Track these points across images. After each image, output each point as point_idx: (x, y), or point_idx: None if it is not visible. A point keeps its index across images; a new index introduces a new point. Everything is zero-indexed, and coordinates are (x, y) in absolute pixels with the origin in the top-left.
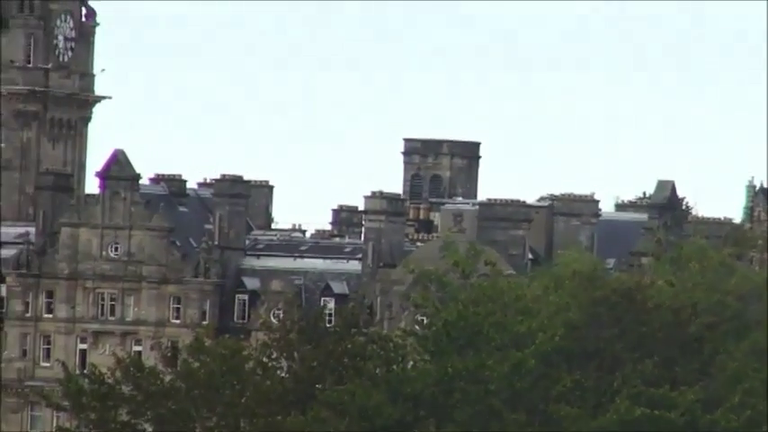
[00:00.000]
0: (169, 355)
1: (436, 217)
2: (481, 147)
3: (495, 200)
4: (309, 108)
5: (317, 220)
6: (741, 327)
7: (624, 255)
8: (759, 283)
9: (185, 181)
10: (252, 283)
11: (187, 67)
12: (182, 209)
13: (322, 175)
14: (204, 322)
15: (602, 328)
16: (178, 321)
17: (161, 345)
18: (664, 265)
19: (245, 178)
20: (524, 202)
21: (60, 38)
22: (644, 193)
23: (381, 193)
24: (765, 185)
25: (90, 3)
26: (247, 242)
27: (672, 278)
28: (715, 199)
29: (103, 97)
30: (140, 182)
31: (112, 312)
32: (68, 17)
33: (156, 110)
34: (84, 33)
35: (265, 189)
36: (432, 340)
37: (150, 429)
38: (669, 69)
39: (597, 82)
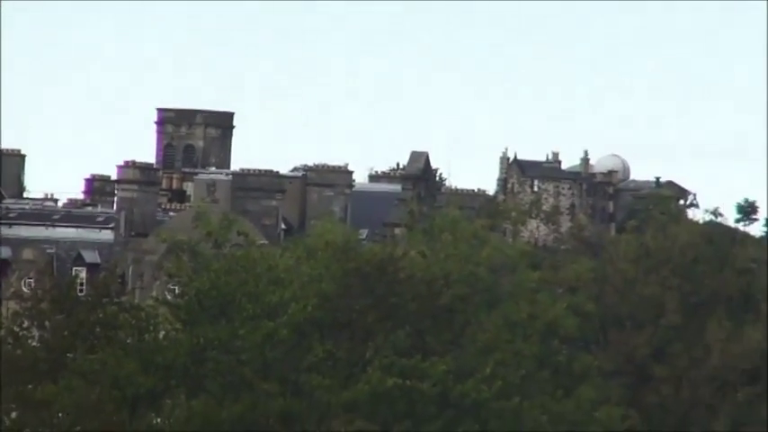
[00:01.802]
0: None
1: (189, 187)
2: (235, 117)
3: (249, 170)
4: (62, 76)
5: (69, 189)
6: (493, 298)
7: (377, 225)
8: (511, 255)
9: None
10: (3, 251)
11: None
12: None
13: (75, 144)
14: None
15: (354, 299)
16: None
17: None
18: (417, 236)
19: None
20: (278, 172)
21: None
22: (397, 164)
23: (134, 162)
24: (519, 157)
25: None
26: None
27: (424, 249)
28: (468, 170)
29: None
30: None
31: None
32: None
33: None
34: None
35: (17, 158)
36: (184, 310)
37: None
38: (422, 41)
39: (351, 52)
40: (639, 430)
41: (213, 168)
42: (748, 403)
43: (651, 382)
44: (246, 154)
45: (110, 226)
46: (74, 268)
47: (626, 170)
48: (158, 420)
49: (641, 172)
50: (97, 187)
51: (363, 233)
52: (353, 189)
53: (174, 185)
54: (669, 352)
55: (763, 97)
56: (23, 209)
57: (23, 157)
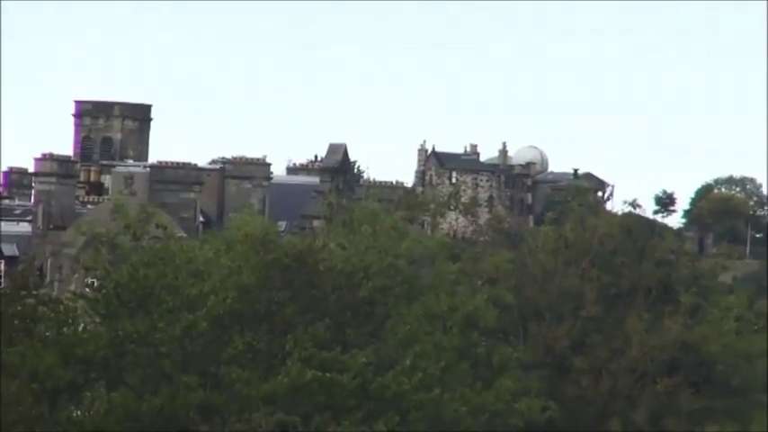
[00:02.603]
0: None
1: (107, 179)
2: (152, 109)
3: (167, 162)
4: None
5: None
6: (412, 290)
7: (296, 218)
8: (431, 247)
9: None
10: None
11: None
12: None
13: None
14: None
15: (274, 291)
16: None
17: None
18: (336, 228)
19: None
20: (196, 165)
21: None
22: (315, 157)
23: (51, 155)
24: (437, 149)
25: None
26: None
27: (344, 241)
28: (387, 162)
29: None
30: None
31: None
32: None
33: None
34: None
35: None
36: (102, 303)
37: None
38: (340, 34)
39: (269, 45)
40: (559, 421)
41: (131, 161)
42: (667, 394)
43: (571, 374)
44: (164, 146)
45: (27, 219)
46: None
47: (544, 162)
48: (78, 413)
49: (559, 164)
50: (15, 180)
51: (282, 225)
52: (272, 181)
53: (92, 178)
54: (589, 343)
55: (680, 89)
56: None
57: None
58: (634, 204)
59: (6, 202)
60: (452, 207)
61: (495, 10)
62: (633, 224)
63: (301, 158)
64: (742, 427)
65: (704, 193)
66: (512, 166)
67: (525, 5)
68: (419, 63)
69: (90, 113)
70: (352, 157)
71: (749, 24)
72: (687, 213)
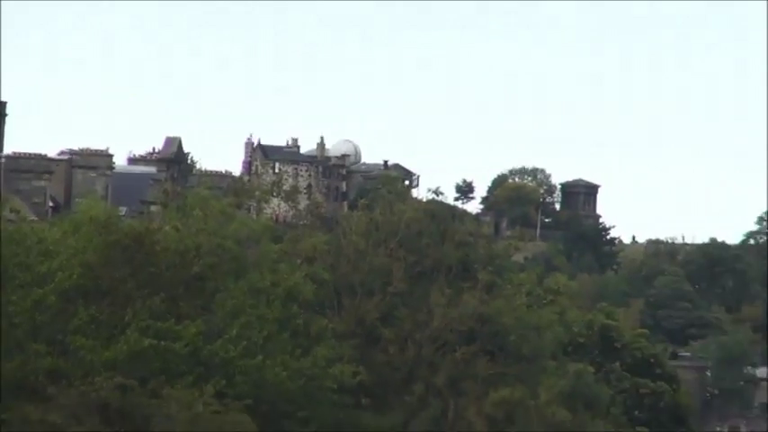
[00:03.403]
0: None
1: None
2: (7, 106)
3: (20, 153)
4: None
5: None
6: (239, 268)
7: (135, 203)
8: (256, 229)
9: None
10: None
11: None
12: None
13: None
14: None
15: (115, 269)
16: None
17: None
18: (171, 212)
19: None
20: (46, 155)
21: None
22: (153, 149)
23: None
24: (262, 142)
25: None
26: None
27: (177, 224)
28: (216, 154)
29: None
30: None
31: None
32: None
33: None
34: None
35: None
36: None
37: None
38: (174, 32)
39: (111, 42)
40: (369, 384)
41: None
42: (465, 361)
43: (380, 343)
44: (18, 138)
45: None
46: None
47: (358, 154)
48: None
49: (371, 156)
50: None
51: (123, 210)
52: (114, 171)
53: None
54: (396, 316)
55: (482, 86)
56: None
57: None
58: (437, 192)
59: None
60: (275, 194)
61: (314, 7)
62: (436, 209)
63: (141, 150)
64: (531, 389)
65: (500, 182)
66: (329, 158)
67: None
68: (245, 62)
69: None
70: (186, 149)
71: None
72: (484, 200)
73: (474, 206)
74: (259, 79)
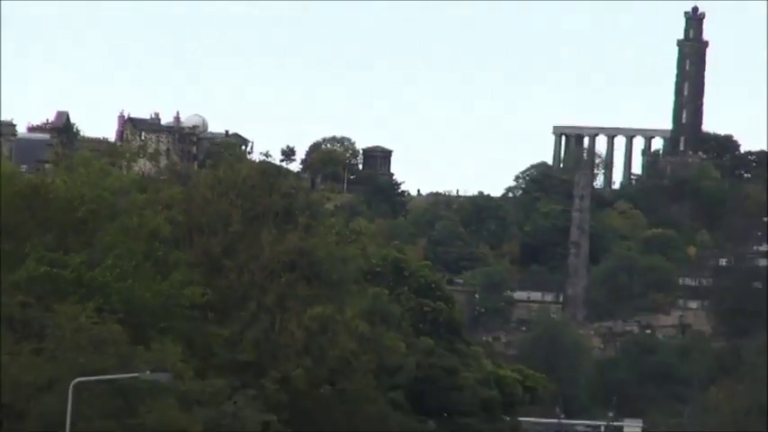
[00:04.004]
0: None
1: None
2: None
3: None
4: None
5: None
6: (114, 212)
7: (33, 163)
8: (126, 183)
9: None
10: None
11: None
12: None
13: None
14: None
15: (18, 212)
16: None
17: None
18: (61, 169)
19: None
20: None
21: None
22: (47, 120)
23: None
24: (132, 115)
25: None
26: None
27: (66, 178)
28: (96, 125)
29: None
30: None
31: None
32: None
33: None
34: None
35: None
36: None
37: None
38: (65, 24)
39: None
40: (213, 303)
41: None
42: (288, 285)
43: (222, 271)
44: None
45: None
46: None
47: (205, 125)
48: None
49: (216, 126)
50: None
51: (24, 167)
52: (16, 137)
53: None
54: (234, 250)
55: (302, 62)
56: None
57: None
58: (267, 155)
59: None
60: (141, 156)
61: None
62: (266, 168)
63: (37, 121)
64: (339, 307)
65: (315, 147)
66: (183, 128)
67: None
68: (120, 49)
69: None
70: (72, 121)
71: None
72: (303, 162)
73: (295, 166)
74: (129, 64)
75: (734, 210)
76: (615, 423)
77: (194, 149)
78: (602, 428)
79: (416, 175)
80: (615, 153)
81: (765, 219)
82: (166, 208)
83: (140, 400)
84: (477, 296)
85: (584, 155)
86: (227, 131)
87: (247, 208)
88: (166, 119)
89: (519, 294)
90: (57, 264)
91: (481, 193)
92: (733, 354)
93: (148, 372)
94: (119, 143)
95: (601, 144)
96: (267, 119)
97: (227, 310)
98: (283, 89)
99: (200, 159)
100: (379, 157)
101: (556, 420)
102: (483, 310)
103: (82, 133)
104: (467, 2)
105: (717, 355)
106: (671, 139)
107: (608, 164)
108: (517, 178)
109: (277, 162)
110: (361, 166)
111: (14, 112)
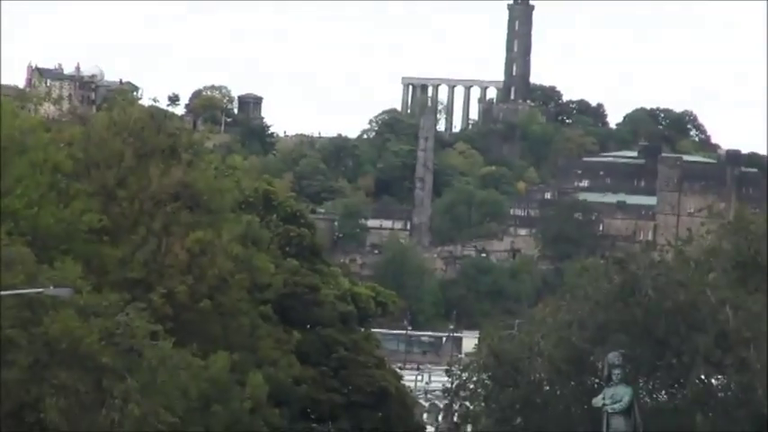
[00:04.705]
0: None
1: None
2: None
3: None
4: None
5: None
6: (22, 148)
7: None
8: (34, 123)
9: None
10: None
11: None
12: None
13: None
14: None
15: None
16: None
17: None
18: None
19: None
20: None
21: None
22: None
23: None
24: (39, 66)
25: None
26: None
27: None
28: (8, 73)
29: None
30: None
31: None
32: None
33: None
34: None
35: None
36: None
37: None
38: None
39: None
40: (108, 228)
41: None
42: (173, 213)
43: (116, 200)
44: None
45: None
46: None
47: (102, 74)
48: None
49: (112, 75)
50: None
51: None
52: None
53: None
54: (127, 182)
55: (188, 21)
56: None
57: None
58: (155, 100)
59: None
60: (47, 100)
61: None
62: (154, 112)
63: None
64: (217, 232)
65: (197, 94)
66: (83, 77)
67: None
68: (21, 6)
69: None
70: None
71: None
72: (187, 106)
73: (180, 110)
74: (37, 19)
75: (557, 151)
76: (455, 334)
77: (93, 95)
78: (444, 339)
79: (284, 118)
80: (455, 101)
81: (584, 159)
82: (68, 145)
83: (45, 312)
84: (336, 224)
85: (429, 102)
86: (120, 80)
87: (138, 146)
88: (69, 69)
89: (372, 222)
90: None
91: (340, 135)
92: (556, 274)
93: (52, 287)
94: (28, 89)
95: (443, 93)
96: (156, 68)
97: (120, 234)
98: (169, 40)
99: (98, 104)
100: (251, 103)
101: (404, 332)
102: (341, 235)
103: None
104: None
105: (542, 275)
106: (503, 88)
107: (449, 110)
108: (371, 122)
109: (164, 107)
110: (236, 111)
111: None
